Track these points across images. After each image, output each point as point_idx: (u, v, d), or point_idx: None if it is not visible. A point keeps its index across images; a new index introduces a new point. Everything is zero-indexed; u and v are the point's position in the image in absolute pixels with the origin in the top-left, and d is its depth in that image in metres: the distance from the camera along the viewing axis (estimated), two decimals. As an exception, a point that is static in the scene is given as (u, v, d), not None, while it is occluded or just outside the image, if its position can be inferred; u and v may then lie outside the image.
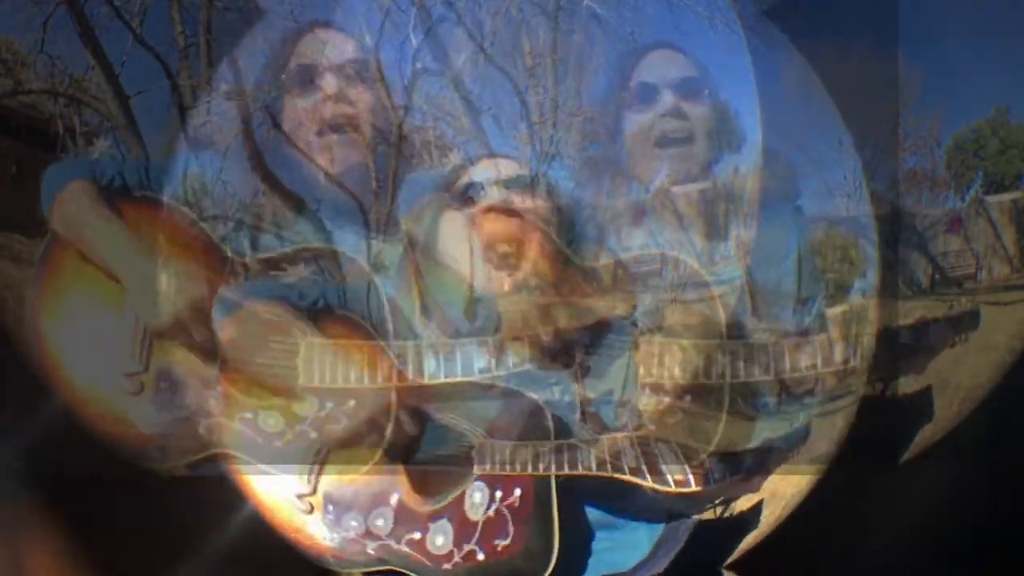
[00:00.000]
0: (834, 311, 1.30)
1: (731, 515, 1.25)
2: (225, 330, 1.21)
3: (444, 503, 1.19)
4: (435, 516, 1.19)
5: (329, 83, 1.34)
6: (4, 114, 1.53)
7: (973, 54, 1.38)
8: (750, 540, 1.28)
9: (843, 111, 1.37)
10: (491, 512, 1.15)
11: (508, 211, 1.23)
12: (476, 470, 1.17)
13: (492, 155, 1.32)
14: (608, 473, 1.09)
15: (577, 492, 1.17)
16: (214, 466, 1.26)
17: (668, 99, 1.30)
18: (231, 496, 1.26)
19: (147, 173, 1.34)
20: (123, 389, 1.26)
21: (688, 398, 1.13)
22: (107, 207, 1.29)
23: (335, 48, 1.36)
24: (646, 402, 1.15)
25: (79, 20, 1.48)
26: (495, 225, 1.23)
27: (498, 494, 1.16)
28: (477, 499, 1.17)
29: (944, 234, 1.49)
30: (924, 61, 1.39)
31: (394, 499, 1.22)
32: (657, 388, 1.15)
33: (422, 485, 1.21)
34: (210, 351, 1.23)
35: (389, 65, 1.39)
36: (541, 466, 1.12)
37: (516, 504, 1.14)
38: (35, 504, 1.27)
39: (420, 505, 1.21)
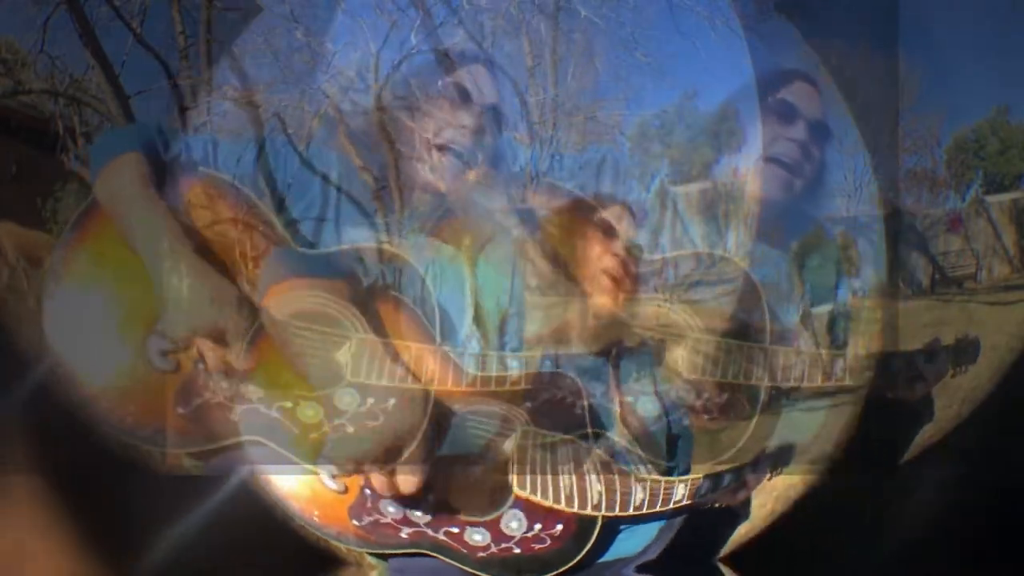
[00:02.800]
0: (834, 311, 1.30)
1: (722, 506, 1.26)
2: (272, 310, 1.16)
3: (480, 520, 1.19)
4: (473, 523, 1.20)
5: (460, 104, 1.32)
6: (4, 114, 1.53)
7: (973, 54, 1.38)
8: (748, 536, 1.28)
9: (843, 111, 1.37)
10: (529, 535, 1.17)
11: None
12: (514, 489, 1.17)
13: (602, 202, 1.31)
14: (661, 508, 1.12)
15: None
16: (238, 454, 1.22)
17: (801, 129, 1.29)
18: (252, 487, 1.24)
19: (215, 150, 1.29)
20: (158, 367, 1.19)
21: (724, 396, 1.15)
22: (155, 191, 1.19)
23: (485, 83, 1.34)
24: (679, 397, 1.17)
25: (79, 20, 1.48)
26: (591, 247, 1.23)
27: (537, 526, 1.17)
28: (514, 526, 1.18)
29: (944, 234, 1.49)
30: (924, 61, 1.39)
31: (431, 498, 1.20)
32: (691, 384, 1.16)
33: (457, 502, 1.21)
34: (239, 351, 1.18)
35: (389, 65, 1.39)
36: (589, 502, 1.14)
37: (557, 534, 1.16)
38: (40, 496, 1.27)
39: (454, 516, 1.20)
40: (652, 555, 1.24)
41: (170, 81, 1.50)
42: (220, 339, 1.16)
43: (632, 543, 1.26)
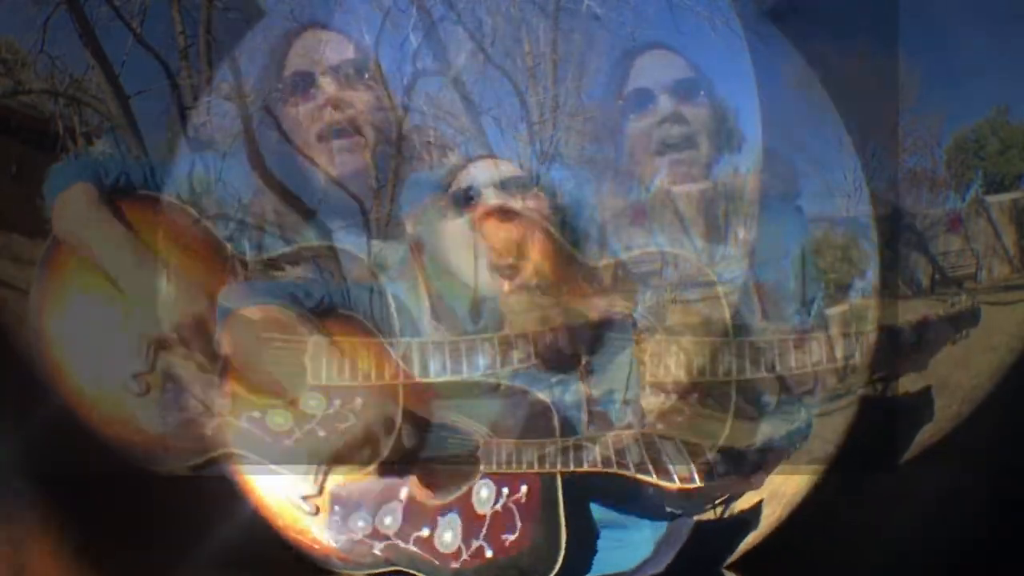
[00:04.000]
0: (834, 311, 1.30)
1: (732, 515, 1.25)
2: (230, 329, 1.21)
3: (452, 497, 1.19)
4: (444, 510, 1.19)
5: (327, 87, 1.33)
6: (4, 114, 1.53)
7: (973, 54, 1.38)
8: (751, 540, 1.28)
9: (843, 111, 1.37)
10: (498, 507, 1.16)
11: (507, 214, 1.23)
12: (482, 468, 1.17)
13: (491, 155, 1.32)
14: (613, 470, 1.09)
15: (583, 490, 1.17)
16: (218, 467, 1.25)
17: (665, 104, 1.29)
18: (234, 499, 1.26)
19: (152, 173, 1.34)
20: (130, 390, 1.25)
21: (693, 397, 1.13)
22: (109, 210, 1.28)
23: (332, 49, 1.35)
24: (651, 401, 1.16)
25: (79, 20, 1.48)
26: (496, 231, 1.23)
27: (505, 490, 1.16)
28: (484, 495, 1.17)
29: (944, 234, 1.49)
30: (924, 61, 1.39)
31: (404, 493, 1.21)
32: (661, 387, 1.15)
33: (430, 479, 1.21)
34: (212, 355, 1.22)
35: (388, 65, 1.39)
36: (547, 464, 1.13)
37: (523, 500, 1.15)
38: (37, 505, 1.27)
39: (429, 499, 1.20)
40: (658, 568, 1.21)
41: (170, 81, 1.50)
42: (197, 335, 1.20)
43: (625, 555, 1.24)
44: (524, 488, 1.15)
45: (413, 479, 1.21)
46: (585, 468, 1.11)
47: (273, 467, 1.23)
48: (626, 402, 1.19)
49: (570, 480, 1.13)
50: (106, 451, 1.25)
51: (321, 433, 1.21)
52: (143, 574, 1.27)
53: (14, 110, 1.55)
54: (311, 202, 1.33)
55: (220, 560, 1.24)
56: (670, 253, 1.23)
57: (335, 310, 1.25)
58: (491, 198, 1.24)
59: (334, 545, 1.24)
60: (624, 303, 1.19)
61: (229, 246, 1.28)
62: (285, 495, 1.24)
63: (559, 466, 1.13)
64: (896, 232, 1.43)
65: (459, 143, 1.42)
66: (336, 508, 1.24)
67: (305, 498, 1.23)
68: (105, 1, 1.47)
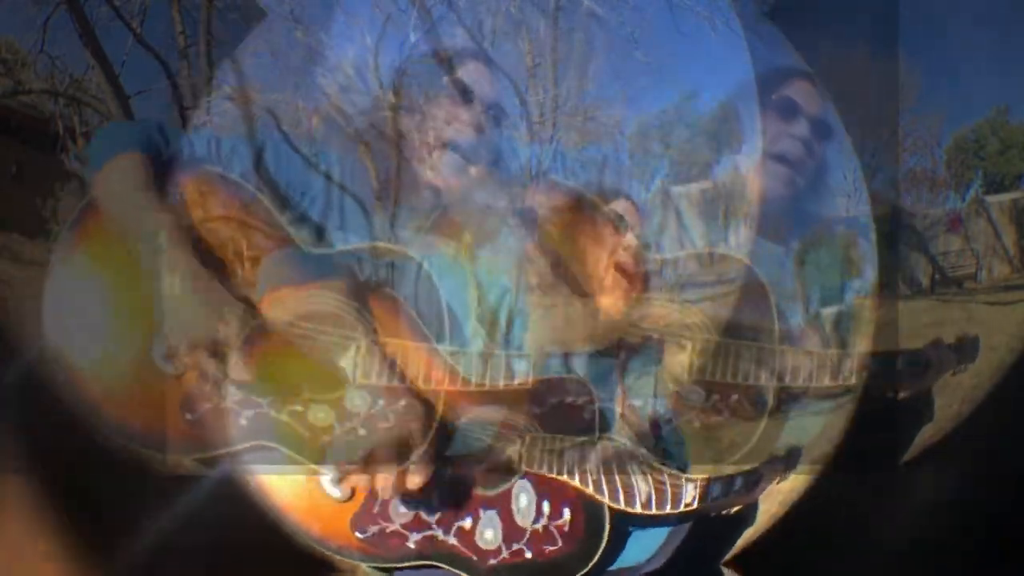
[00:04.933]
0: (833, 311, 1.30)
1: (728, 512, 1.25)
2: (276, 307, 1.15)
3: (492, 493, 1.18)
4: (485, 504, 1.18)
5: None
6: (4, 114, 1.53)
7: (973, 54, 1.38)
8: (749, 536, 1.28)
9: (843, 111, 1.37)
10: (538, 526, 1.16)
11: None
12: (523, 467, 1.17)
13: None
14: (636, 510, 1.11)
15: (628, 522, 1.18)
16: (239, 460, 1.22)
17: (803, 126, 1.29)
18: (254, 493, 1.24)
19: (218, 146, 1.26)
20: (163, 372, 1.15)
21: (733, 398, 1.14)
22: (156, 194, 1.17)
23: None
24: (683, 399, 1.17)
25: (79, 20, 1.48)
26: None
27: (546, 507, 1.16)
28: (523, 502, 1.17)
29: (944, 234, 1.49)
30: (924, 61, 1.39)
31: (446, 476, 1.19)
32: (696, 386, 1.16)
33: (468, 471, 1.20)
34: (218, 381, 1.17)
35: (388, 65, 1.40)
36: (587, 469, 1.13)
37: (566, 528, 1.15)
38: (42, 500, 1.26)
39: (470, 488, 1.19)
40: (658, 563, 1.23)
41: (170, 81, 1.50)
42: (215, 350, 1.14)
43: (638, 551, 1.25)
44: (567, 514, 1.15)
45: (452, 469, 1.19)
46: (637, 509, 1.11)
47: (304, 463, 1.19)
48: (657, 397, 1.19)
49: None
50: (117, 445, 1.22)
51: (362, 432, 1.18)
52: (158, 569, 1.26)
53: (14, 110, 1.55)
54: (368, 201, 1.30)
55: (238, 555, 1.23)
56: (706, 252, 1.23)
57: (383, 288, 1.20)
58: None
59: (359, 536, 1.22)
60: (662, 302, 1.19)
61: (292, 229, 1.22)
62: (314, 485, 1.21)
63: (600, 474, 1.13)
64: (896, 232, 1.43)
65: (459, 143, 1.42)
66: (373, 498, 1.21)
67: (340, 482, 1.18)
68: (105, 1, 1.48)
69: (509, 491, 1.17)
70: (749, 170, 1.31)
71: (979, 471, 1.24)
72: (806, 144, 1.27)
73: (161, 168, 1.20)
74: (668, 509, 1.09)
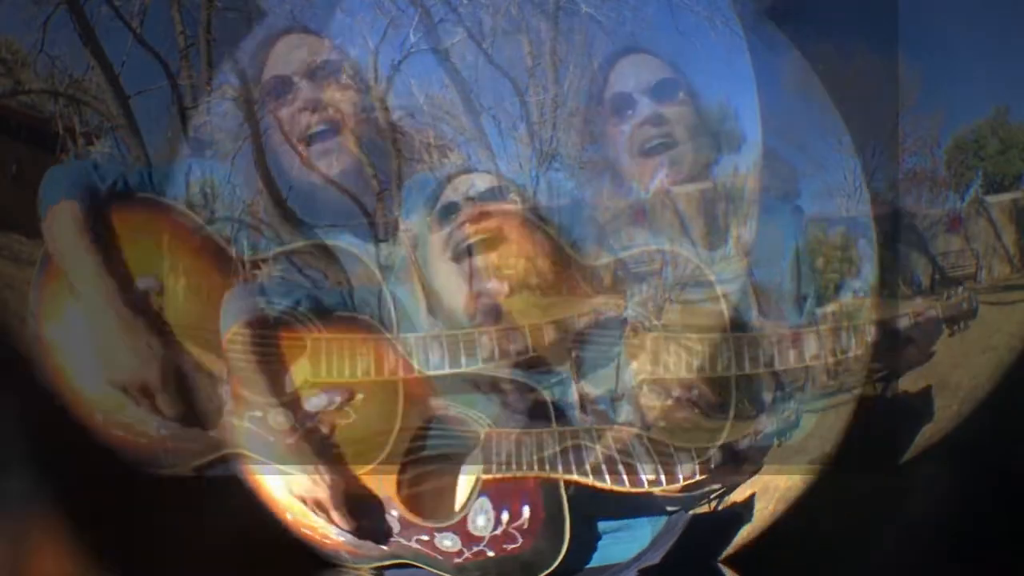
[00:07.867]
0: (833, 310, 1.30)
1: (725, 508, 1.26)
2: (233, 330, 1.21)
3: (445, 524, 1.19)
4: (439, 530, 1.20)
5: (304, 90, 1.33)
6: (4, 114, 1.53)
7: (973, 54, 1.38)
8: (747, 534, 1.28)
9: (843, 111, 1.37)
10: (498, 532, 1.16)
11: (489, 218, 1.24)
12: (482, 471, 1.17)
13: (468, 171, 1.32)
14: (621, 487, 1.10)
15: (590, 507, 1.17)
16: (225, 466, 1.25)
17: (645, 107, 1.29)
18: (242, 497, 1.26)
19: (150, 177, 1.34)
20: (131, 393, 1.25)
21: (693, 395, 1.14)
22: (92, 236, 1.26)
23: (309, 52, 1.35)
24: (650, 400, 1.16)
25: (79, 20, 1.48)
26: (485, 237, 1.23)
27: (504, 516, 1.16)
28: (480, 523, 1.18)
29: (944, 234, 1.49)
30: (924, 61, 1.39)
31: (395, 513, 1.22)
32: (660, 385, 1.15)
33: (416, 505, 1.21)
34: (177, 404, 1.22)
35: (387, 65, 1.40)
36: (548, 467, 1.13)
37: (525, 526, 1.15)
38: (40, 506, 1.27)
39: (421, 522, 1.21)
40: (653, 559, 1.23)
41: (170, 81, 1.50)
42: (145, 391, 1.21)
43: (623, 548, 1.25)
44: (526, 512, 1.15)
45: (399, 505, 1.21)
46: (588, 474, 1.11)
47: (276, 466, 1.22)
48: (615, 399, 1.19)
49: (575, 498, 1.13)
50: (110, 453, 1.25)
51: (324, 430, 1.21)
52: (151, 572, 1.27)
53: (14, 110, 1.55)
54: (310, 203, 1.33)
55: (229, 558, 1.24)
56: (669, 251, 1.23)
57: (337, 312, 1.25)
58: (469, 208, 1.24)
59: (341, 539, 1.25)
60: (615, 301, 1.19)
61: (232, 248, 1.28)
62: (293, 491, 1.24)
63: (560, 469, 1.13)
64: (896, 232, 1.43)
65: (459, 143, 1.42)
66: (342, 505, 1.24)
67: (305, 499, 1.23)
68: (105, 1, 1.48)
69: (464, 518, 1.18)
70: (748, 170, 1.31)
71: (979, 471, 1.24)
72: (656, 120, 1.25)
73: (97, 206, 1.27)
74: (679, 483, 1.09)
